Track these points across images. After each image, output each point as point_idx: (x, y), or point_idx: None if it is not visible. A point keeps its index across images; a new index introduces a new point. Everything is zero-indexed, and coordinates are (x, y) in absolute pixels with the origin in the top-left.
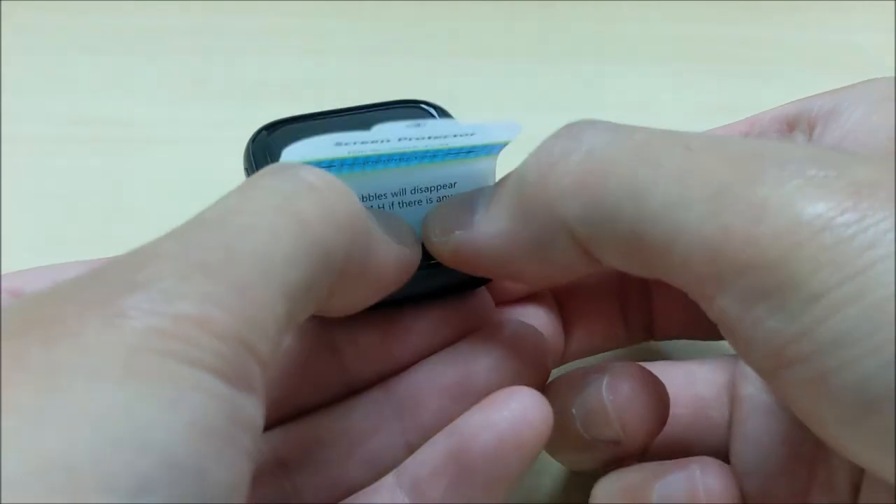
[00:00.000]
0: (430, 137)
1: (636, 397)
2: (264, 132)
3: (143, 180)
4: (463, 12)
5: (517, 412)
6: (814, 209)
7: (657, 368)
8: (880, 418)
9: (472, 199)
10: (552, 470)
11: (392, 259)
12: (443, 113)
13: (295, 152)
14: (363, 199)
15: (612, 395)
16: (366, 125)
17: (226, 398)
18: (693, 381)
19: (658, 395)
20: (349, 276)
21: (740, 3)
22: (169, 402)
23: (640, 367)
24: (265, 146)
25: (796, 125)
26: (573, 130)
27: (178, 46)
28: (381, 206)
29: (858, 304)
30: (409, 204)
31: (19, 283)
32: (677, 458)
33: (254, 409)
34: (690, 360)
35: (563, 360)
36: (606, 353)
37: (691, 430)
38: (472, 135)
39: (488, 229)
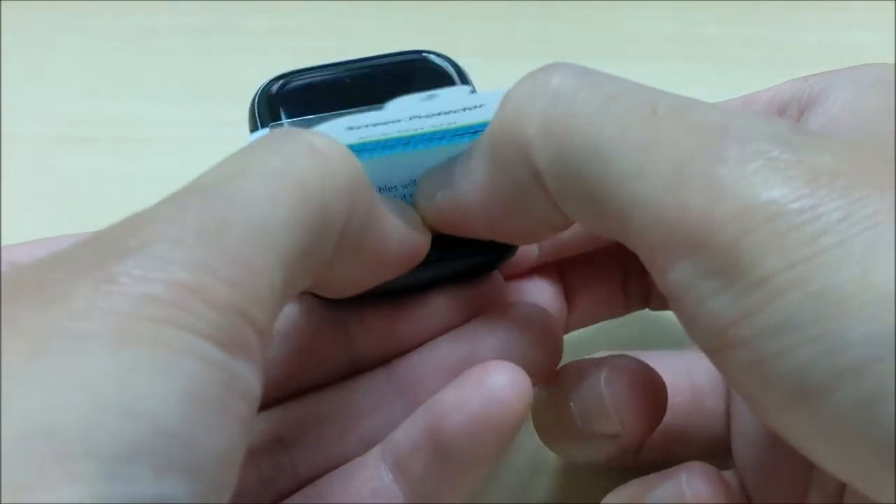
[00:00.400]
0: (440, 114)
1: (634, 391)
2: (270, 87)
3: (144, 180)
4: (463, 12)
5: (491, 390)
6: (769, 194)
7: (654, 358)
8: (816, 408)
9: (455, 159)
10: (549, 469)
11: (395, 237)
12: (449, 62)
13: None
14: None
15: (610, 390)
16: (374, 86)
17: (222, 365)
18: (690, 370)
19: (656, 388)
20: (349, 247)
21: (740, 3)
22: (162, 368)
23: (637, 360)
24: (269, 104)
25: (786, 110)
26: (541, 74)
27: (178, 46)
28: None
29: (801, 290)
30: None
31: (19, 254)
32: (676, 447)
33: (251, 377)
34: (688, 350)
35: (566, 330)
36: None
37: (689, 418)
38: (481, 106)
39: (466, 185)
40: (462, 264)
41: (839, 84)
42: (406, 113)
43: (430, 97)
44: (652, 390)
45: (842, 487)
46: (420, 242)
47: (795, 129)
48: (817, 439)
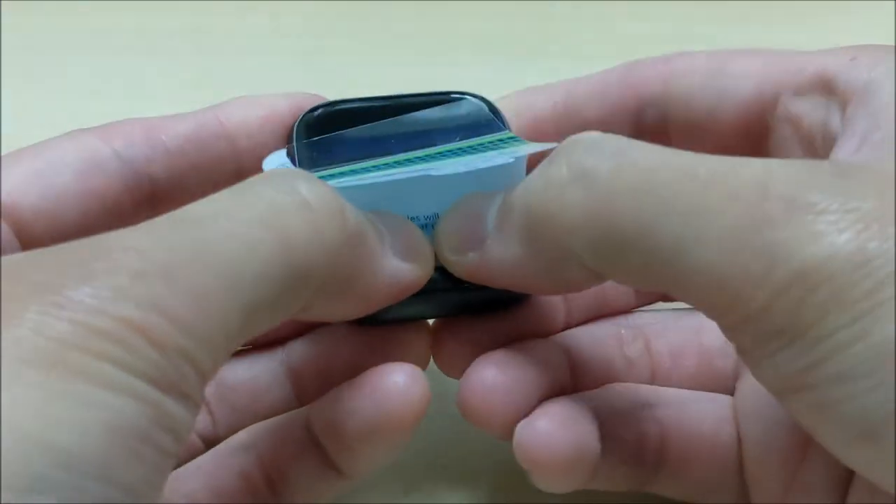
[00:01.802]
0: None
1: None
2: (311, 113)
3: None
4: (463, 12)
5: (385, 397)
6: (824, 252)
7: (663, 318)
8: (880, 445)
9: (480, 213)
10: None
11: (386, 278)
12: (487, 104)
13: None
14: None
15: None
16: (408, 127)
17: (152, 402)
18: (699, 331)
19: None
20: (330, 294)
21: (740, 3)
22: (85, 401)
23: (567, 411)
24: (307, 129)
25: (833, 90)
26: (573, 157)
27: (178, 46)
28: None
29: (862, 343)
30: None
31: (11, 193)
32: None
33: (183, 413)
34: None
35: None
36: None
37: (697, 380)
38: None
39: (501, 254)
40: (480, 297)
41: (881, 78)
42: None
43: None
44: (559, 447)
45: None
46: (417, 273)
47: (836, 173)
48: (882, 472)
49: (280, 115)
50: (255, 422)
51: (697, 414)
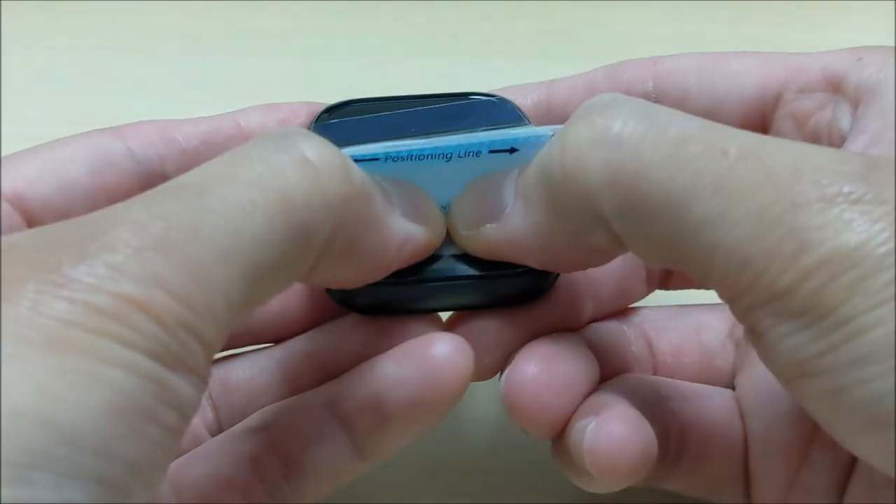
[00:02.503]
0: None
1: (612, 451)
2: (325, 114)
3: None
4: (463, 12)
5: (431, 367)
6: (854, 239)
7: (662, 315)
8: (889, 434)
9: (497, 187)
10: (546, 468)
11: (394, 238)
12: (513, 105)
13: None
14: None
15: (591, 444)
16: (424, 121)
17: (155, 378)
18: (699, 329)
19: (639, 448)
20: (337, 255)
21: (740, 3)
22: (87, 378)
23: (635, 414)
24: (322, 129)
25: (841, 89)
26: (599, 118)
27: (178, 46)
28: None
29: (882, 328)
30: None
31: (21, 184)
32: None
33: (187, 388)
34: (698, 306)
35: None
36: None
37: (698, 378)
38: (513, 151)
39: (522, 223)
40: (501, 287)
41: (890, 78)
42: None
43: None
44: (633, 451)
45: (846, 464)
46: (428, 237)
47: (868, 164)
48: (889, 460)
49: (299, 122)
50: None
51: (711, 408)
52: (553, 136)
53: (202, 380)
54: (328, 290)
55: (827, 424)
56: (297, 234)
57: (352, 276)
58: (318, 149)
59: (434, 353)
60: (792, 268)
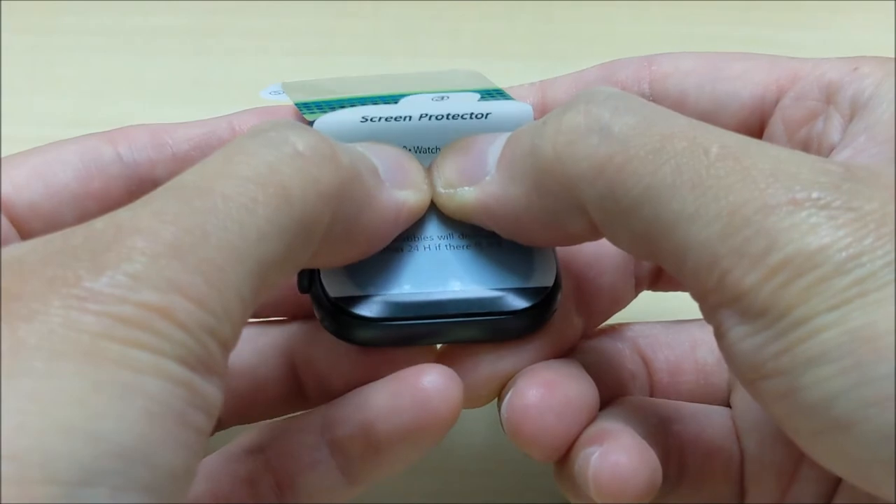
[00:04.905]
0: (448, 116)
1: (617, 480)
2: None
3: None
4: (463, 12)
5: (424, 398)
6: (818, 243)
7: (658, 332)
8: (844, 435)
9: (481, 151)
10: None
11: (384, 211)
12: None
13: (324, 124)
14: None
15: (595, 472)
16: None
17: (185, 383)
18: (694, 346)
19: (643, 477)
20: (335, 238)
21: (740, 3)
22: (125, 389)
23: (639, 442)
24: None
25: (835, 96)
26: (592, 107)
27: (178, 46)
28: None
29: (839, 328)
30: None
31: (9, 189)
32: None
33: (212, 390)
34: (693, 322)
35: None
36: None
37: (694, 397)
38: (487, 115)
39: (500, 193)
40: (500, 325)
41: (889, 91)
42: (418, 110)
43: (442, 98)
44: (638, 480)
45: (833, 479)
46: (417, 202)
47: (846, 174)
48: (844, 463)
49: None
50: (255, 407)
51: (711, 429)
52: (548, 116)
53: (223, 379)
54: (322, 322)
55: (786, 427)
56: (299, 227)
57: (352, 253)
58: (308, 140)
59: (426, 383)
60: (757, 267)
